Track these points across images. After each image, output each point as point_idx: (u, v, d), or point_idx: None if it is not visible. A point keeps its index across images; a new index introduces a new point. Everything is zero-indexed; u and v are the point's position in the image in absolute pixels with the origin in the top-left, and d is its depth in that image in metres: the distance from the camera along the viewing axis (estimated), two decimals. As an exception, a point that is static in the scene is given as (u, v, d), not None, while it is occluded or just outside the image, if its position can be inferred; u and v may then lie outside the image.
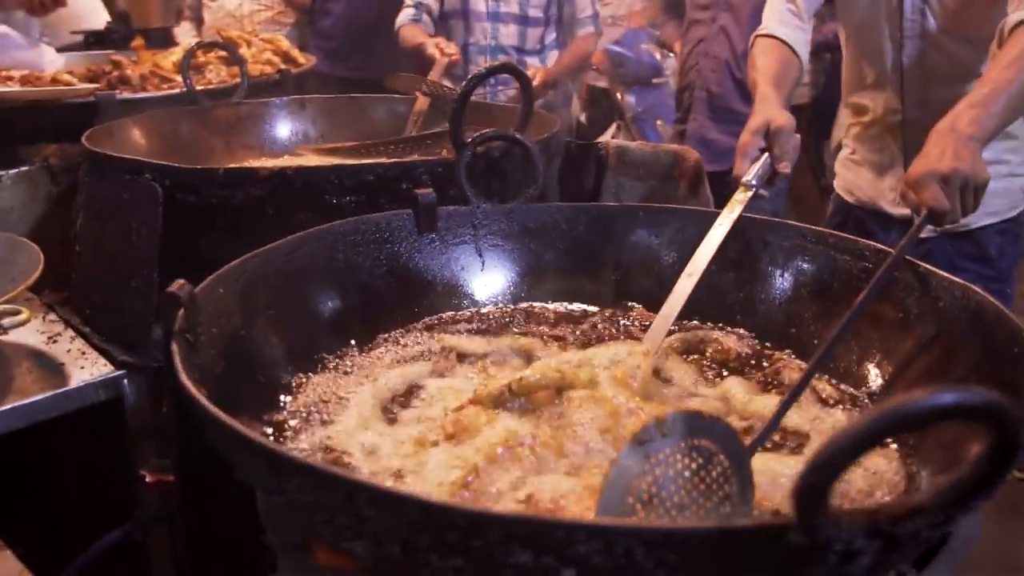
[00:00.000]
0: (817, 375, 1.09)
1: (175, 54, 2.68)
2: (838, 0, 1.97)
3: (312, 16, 3.96)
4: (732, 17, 3.31)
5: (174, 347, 0.81)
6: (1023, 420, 0.51)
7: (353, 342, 1.17)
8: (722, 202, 1.34)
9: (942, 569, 0.79)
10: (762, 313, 1.26)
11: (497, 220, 1.35)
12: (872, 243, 1.18)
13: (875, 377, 1.09)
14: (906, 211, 1.92)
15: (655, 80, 4.35)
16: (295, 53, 2.58)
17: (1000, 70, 1.45)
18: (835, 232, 1.23)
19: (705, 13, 3.41)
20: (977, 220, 1.89)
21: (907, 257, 1.14)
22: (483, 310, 1.31)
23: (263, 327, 1.06)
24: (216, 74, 2.30)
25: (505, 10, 3.28)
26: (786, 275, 1.25)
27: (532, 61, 3.34)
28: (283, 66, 2.44)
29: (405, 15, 3.34)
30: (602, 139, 3.22)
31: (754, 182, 1.32)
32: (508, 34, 3.31)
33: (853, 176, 2.11)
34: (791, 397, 0.92)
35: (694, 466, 0.74)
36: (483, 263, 1.34)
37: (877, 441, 0.49)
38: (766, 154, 1.39)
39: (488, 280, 1.33)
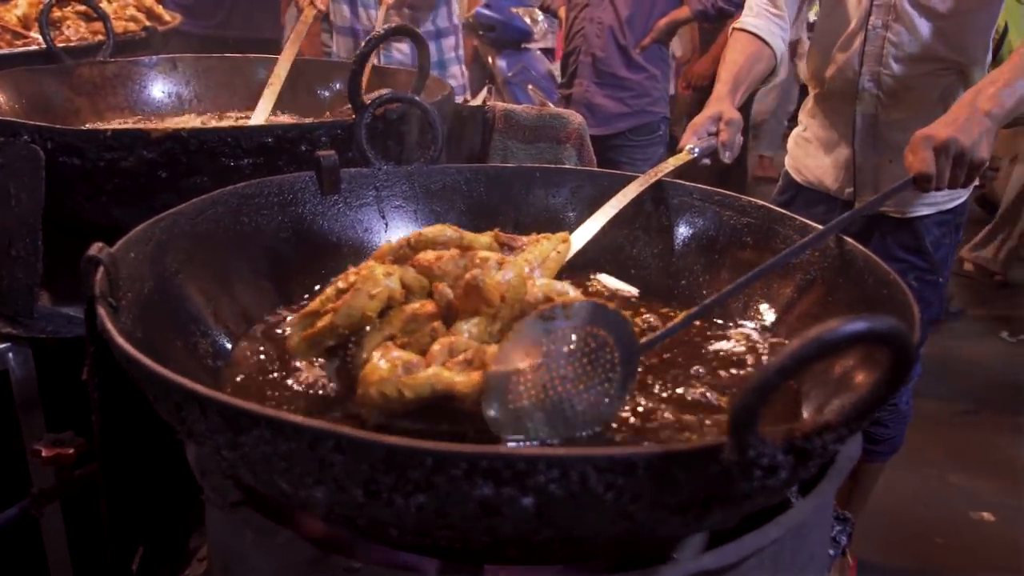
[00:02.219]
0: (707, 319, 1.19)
1: (19, 7, 2.50)
2: None
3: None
4: None
5: (101, 311, 0.79)
6: (915, 345, 0.59)
7: (263, 307, 1.17)
8: (604, 165, 1.43)
9: (826, 492, 0.89)
10: (654, 267, 1.34)
11: (398, 182, 1.37)
12: (754, 200, 1.28)
13: (761, 318, 1.19)
14: (850, 189, 2.03)
15: (524, 44, 4.40)
16: (159, 10, 2.46)
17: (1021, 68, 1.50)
18: (719, 190, 1.32)
19: None
20: (915, 209, 1.99)
21: (782, 211, 1.25)
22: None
23: (174, 292, 1.05)
24: (75, 30, 2.17)
25: None
26: (675, 231, 1.34)
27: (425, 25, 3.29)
28: (148, 23, 2.32)
29: None
30: (474, 103, 3.24)
31: (696, 150, 1.43)
32: None
33: (802, 154, 2.18)
34: (697, 311, 1.00)
35: (586, 348, 0.83)
36: (387, 225, 1.35)
37: (804, 367, 0.56)
38: (713, 137, 1.50)
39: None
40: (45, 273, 1.37)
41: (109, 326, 0.76)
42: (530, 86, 4.23)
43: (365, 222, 1.34)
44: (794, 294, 1.18)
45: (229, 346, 1.08)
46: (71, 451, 1.24)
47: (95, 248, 0.84)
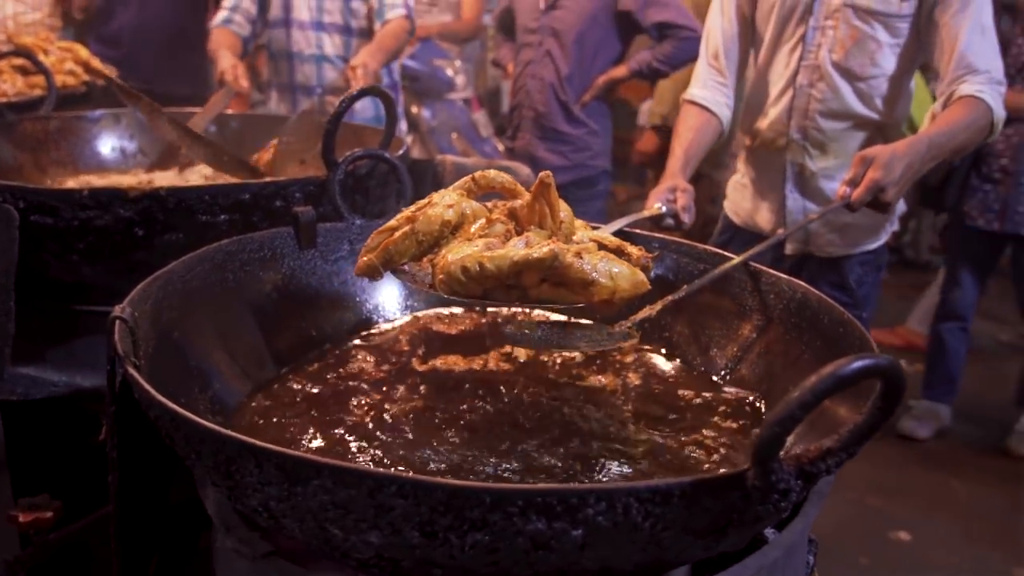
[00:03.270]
0: (672, 359, 1.28)
1: (-60, 60, 2.44)
2: (757, 24, 2.18)
3: (94, 19, 3.67)
4: (557, 42, 3.47)
5: (132, 371, 0.81)
6: (905, 377, 0.69)
7: (254, 361, 1.19)
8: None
9: (810, 514, 0.98)
10: (615, 311, 1.42)
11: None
12: (708, 247, 1.38)
13: (722, 358, 1.29)
14: (781, 230, 2.20)
15: (447, 95, 4.51)
16: (96, 63, 2.44)
17: (956, 126, 1.78)
18: (677, 239, 1.42)
19: (533, 37, 3.55)
20: (843, 250, 2.20)
21: (736, 256, 1.35)
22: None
23: (173, 350, 1.06)
24: (12, 84, 2.14)
25: (329, 20, 3.26)
26: (637, 277, 1.43)
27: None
28: (87, 77, 2.30)
29: (219, 16, 3.24)
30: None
31: (664, 208, 1.67)
32: (333, 44, 3.30)
33: (739, 198, 2.36)
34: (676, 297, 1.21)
35: None
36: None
37: (821, 399, 0.64)
38: (672, 203, 1.73)
39: (370, 294, 1.39)
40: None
41: (147, 386, 0.78)
42: (454, 134, 4.33)
43: (341, 275, 1.38)
44: (752, 333, 1.28)
45: (227, 401, 1.10)
46: (49, 514, 1.22)
47: (118, 308, 0.86)
